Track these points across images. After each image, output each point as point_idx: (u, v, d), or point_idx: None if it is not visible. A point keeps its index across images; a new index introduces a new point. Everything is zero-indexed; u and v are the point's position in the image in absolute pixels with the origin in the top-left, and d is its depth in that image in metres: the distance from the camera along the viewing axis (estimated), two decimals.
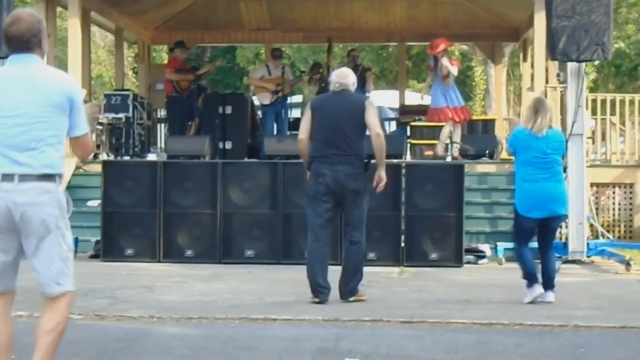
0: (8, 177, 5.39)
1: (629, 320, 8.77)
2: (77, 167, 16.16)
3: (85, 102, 17.23)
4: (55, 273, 5.52)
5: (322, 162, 9.81)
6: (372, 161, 10.06)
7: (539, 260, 10.04)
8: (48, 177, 5.48)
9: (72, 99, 5.59)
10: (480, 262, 13.82)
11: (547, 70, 17.00)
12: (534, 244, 10.25)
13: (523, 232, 10.10)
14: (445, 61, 16.97)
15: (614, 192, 17.22)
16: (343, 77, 10.15)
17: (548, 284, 9.90)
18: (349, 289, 9.88)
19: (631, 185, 17.18)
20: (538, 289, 9.82)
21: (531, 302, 9.77)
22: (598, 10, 13.59)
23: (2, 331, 5.56)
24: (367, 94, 18.55)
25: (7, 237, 5.49)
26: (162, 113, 20.40)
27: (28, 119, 5.47)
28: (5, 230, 5.45)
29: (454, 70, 17.17)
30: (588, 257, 13.97)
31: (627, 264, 13.10)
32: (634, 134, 17.73)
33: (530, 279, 9.90)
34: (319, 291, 9.77)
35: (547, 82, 16.81)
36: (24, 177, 5.40)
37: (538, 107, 9.87)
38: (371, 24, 23.32)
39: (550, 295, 9.88)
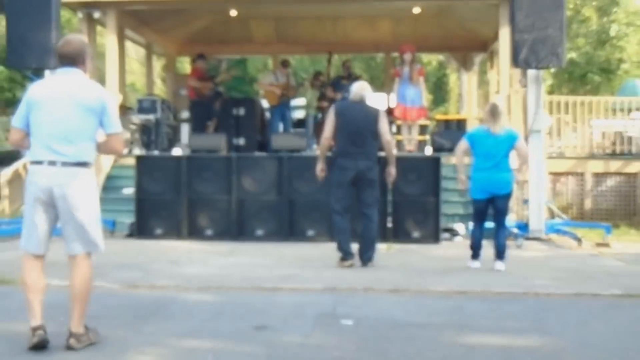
0: (52, 163, 5.89)
1: (582, 288, 8.78)
2: (115, 161, 16.17)
3: (122, 106, 17.37)
4: (83, 239, 5.99)
5: (346, 158, 10.36)
6: (381, 154, 10.70)
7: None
8: (82, 164, 5.97)
9: (103, 105, 6.03)
10: (454, 239, 13.79)
11: (511, 77, 16.96)
12: (491, 225, 10.52)
13: (475, 212, 10.56)
14: (408, 60, 17.13)
15: (567, 180, 17.21)
16: (363, 89, 10.68)
17: (498, 255, 10.25)
18: (367, 257, 10.46)
19: (582, 174, 17.18)
20: (477, 263, 10.39)
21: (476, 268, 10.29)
22: (554, 25, 13.55)
23: (40, 281, 6.03)
24: None
25: (49, 210, 5.97)
26: (185, 114, 20.33)
27: (67, 119, 5.94)
28: (47, 204, 5.93)
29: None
30: (546, 235, 13.94)
31: (579, 241, 13.11)
32: (584, 131, 17.73)
33: (474, 251, 10.47)
34: (348, 257, 10.39)
35: (511, 86, 16.78)
36: (64, 164, 5.90)
37: (494, 112, 10.24)
38: (362, 38, 23.28)
39: (499, 264, 10.21)
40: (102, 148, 6.22)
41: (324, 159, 10.55)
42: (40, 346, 5.82)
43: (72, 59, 6.05)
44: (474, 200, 10.47)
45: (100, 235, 6.10)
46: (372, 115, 10.47)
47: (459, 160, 10.50)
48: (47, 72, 14.05)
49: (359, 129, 10.38)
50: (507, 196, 10.23)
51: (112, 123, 6.09)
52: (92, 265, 6.10)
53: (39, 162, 5.92)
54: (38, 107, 5.97)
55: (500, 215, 10.30)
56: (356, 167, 10.31)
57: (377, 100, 25.68)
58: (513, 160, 10.29)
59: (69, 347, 5.85)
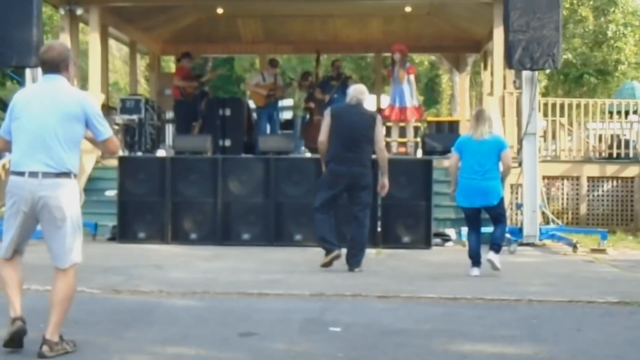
0: (34, 174, 5.92)
1: (576, 295, 8.80)
2: (97, 162, 16.14)
3: (104, 106, 17.33)
4: (66, 250, 6.00)
5: (340, 163, 10.38)
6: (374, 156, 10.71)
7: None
8: (64, 174, 5.99)
9: (86, 111, 6.06)
10: (446, 244, 13.80)
11: (504, 78, 17.01)
12: (490, 229, 10.50)
13: (466, 219, 10.61)
14: (397, 60, 17.17)
15: (562, 184, 17.24)
16: (360, 92, 10.73)
17: (492, 247, 10.27)
18: (355, 261, 10.43)
19: (577, 178, 17.21)
20: (475, 271, 10.26)
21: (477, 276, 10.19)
22: (549, 25, 13.60)
23: (15, 275, 6.10)
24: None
25: (29, 220, 6.02)
26: (170, 115, 20.34)
27: (49, 127, 5.96)
28: (28, 214, 5.98)
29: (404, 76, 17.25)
30: (540, 240, 13.96)
31: (574, 247, 13.13)
32: (579, 134, 17.78)
33: (472, 260, 10.35)
34: (333, 248, 10.30)
35: (504, 88, 16.83)
36: (46, 174, 5.93)
37: (478, 117, 10.32)
38: (352, 37, 23.30)
39: (492, 255, 10.21)
40: (98, 146, 6.31)
41: (326, 162, 10.54)
42: (19, 335, 5.87)
43: (55, 65, 6.08)
44: (460, 207, 10.56)
45: (80, 248, 6.11)
46: (368, 120, 10.49)
47: (452, 174, 10.51)
48: (27, 71, 14.02)
49: (354, 133, 10.39)
50: (497, 205, 10.27)
51: (102, 130, 6.14)
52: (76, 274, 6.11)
53: (21, 174, 5.96)
54: (20, 116, 6.02)
55: (495, 220, 10.38)
56: (350, 173, 10.34)
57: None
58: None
59: (41, 355, 5.83)
